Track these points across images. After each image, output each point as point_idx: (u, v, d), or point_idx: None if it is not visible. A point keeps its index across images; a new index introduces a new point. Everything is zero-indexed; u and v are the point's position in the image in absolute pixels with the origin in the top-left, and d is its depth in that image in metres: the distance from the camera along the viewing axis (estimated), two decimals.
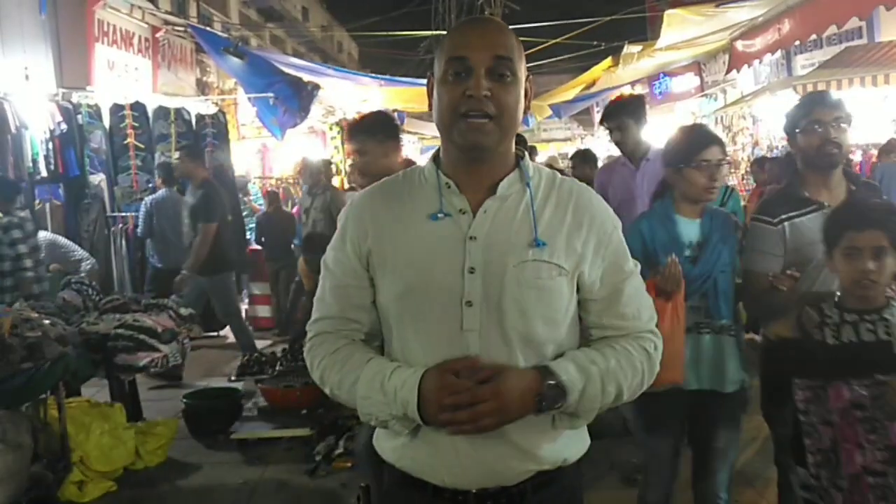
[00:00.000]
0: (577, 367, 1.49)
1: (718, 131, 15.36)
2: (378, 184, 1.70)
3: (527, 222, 1.53)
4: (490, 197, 1.54)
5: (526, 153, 1.63)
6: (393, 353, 1.59)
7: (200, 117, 9.37)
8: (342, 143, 12.72)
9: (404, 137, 16.25)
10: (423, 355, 1.50)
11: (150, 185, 8.00)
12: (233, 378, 6.24)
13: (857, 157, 8.96)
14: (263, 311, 8.87)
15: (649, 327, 1.63)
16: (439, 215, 1.53)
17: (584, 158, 7.90)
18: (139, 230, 7.31)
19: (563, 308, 1.55)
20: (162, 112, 8.73)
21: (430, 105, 1.57)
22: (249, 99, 10.59)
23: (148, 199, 7.29)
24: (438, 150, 1.62)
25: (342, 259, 1.61)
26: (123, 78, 9.23)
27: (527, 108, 1.57)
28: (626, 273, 1.60)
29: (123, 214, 7.81)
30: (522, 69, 1.53)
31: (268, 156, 11.88)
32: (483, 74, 1.46)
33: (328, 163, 7.89)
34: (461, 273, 1.50)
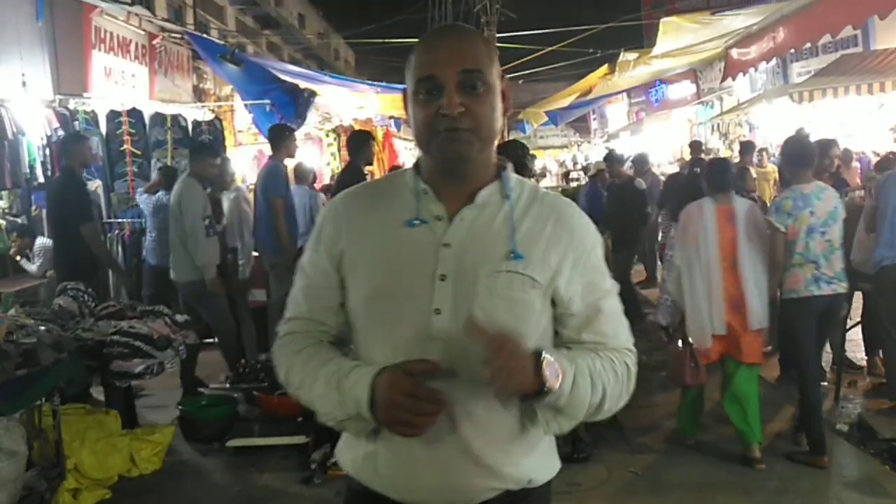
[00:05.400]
0: (566, 358, 1.46)
1: (715, 139, 15.45)
2: (359, 186, 1.71)
3: (504, 233, 1.50)
4: (468, 205, 1.52)
5: (509, 164, 1.60)
6: (359, 357, 1.57)
7: (197, 124, 9.37)
8: (339, 150, 12.74)
9: (400, 144, 16.25)
10: (388, 361, 1.46)
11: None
12: (228, 385, 6.22)
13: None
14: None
15: (627, 346, 1.60)
16: (415, 222, 1.51)
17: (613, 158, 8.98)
18: (147, 224, 7.22)
19: (534, 321, 1.52)
20: (158, 118, 8.73)
21: (407, 119, 1.57)
22: (246, 106, 10.59)
23: (148, 198, 7.22)
24: (421, 156, 1.61)
25: (315, 259, 1.61)
26: (120, 84, 9.24)
27: (506, 110, 1.56)
28: (604, 291, 1.57)
29: (120, 220, 7.79)
30: (495, 74, 1.51)
31: (264, 162, 11.88)
32: (454, 90, 1.44)
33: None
34: (431, 279, 1.48)
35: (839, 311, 4.70)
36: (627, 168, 11.13)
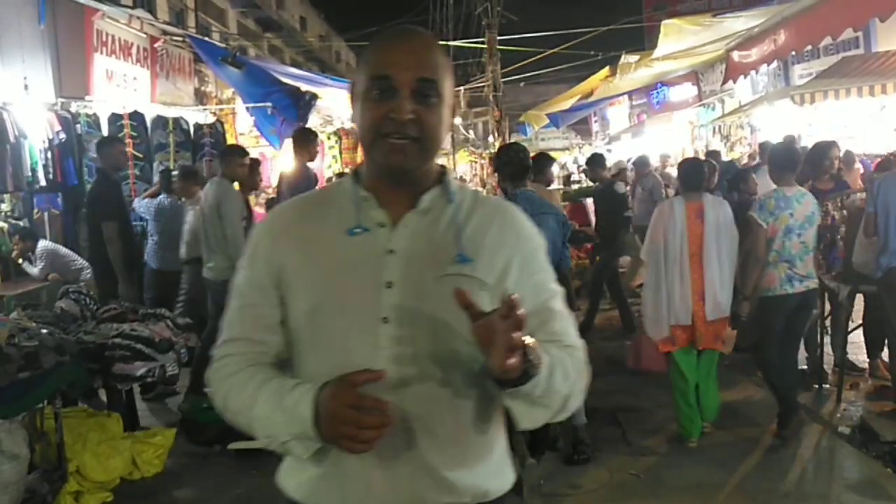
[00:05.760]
0: (538, 345, 1.38)
1: (716, 141, 15.44)
2: (293, 199, 1.65)
3: (450, 236, 1.47)
4: (411, 210, 1.48)
5: (449, 169, 1.57)
6: (304, 375, 1.48)
7: (198, 127, 9.40)
8: (340, 153, 12.76)
9: None
10: (335, 376, 1.37)
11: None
12: None
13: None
14: None
15: (578, 343, 1.55)
16: (357, 230, 1.46)
17: (596, 162, 8.72)
18: (149, 227, 7.21)
19: None
20: (160, 121, 8.76)
21: (353, 117, 1.52)
22: (247, 109, 10.61)
23: (150, 202, 7.22)
24: (360, 164, 1.57)
25: (251, 277, 1.54)
26: (122, 88, 9.25)
27: (451, 126, 1.53)
28: (552, 291, 1.55)
29: None
30: (448, 87, 1.48)
31: (266, 165, 11.89)
32: (407, 96, 1.40)
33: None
34: (377, 288, 1.43)
35: (812, 306, 5.02)
36: (629, 170, 11.09)
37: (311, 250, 1.48)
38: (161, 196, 7.11)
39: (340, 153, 12.76)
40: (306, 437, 1.37)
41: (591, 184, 10.42)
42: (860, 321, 5.92)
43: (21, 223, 7.50)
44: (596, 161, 9.05)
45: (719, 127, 15.46)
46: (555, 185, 18.45)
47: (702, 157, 13.68)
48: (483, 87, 19.49)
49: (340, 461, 1.41)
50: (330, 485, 1.46)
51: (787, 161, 4.94)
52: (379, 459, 1.39)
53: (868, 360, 6.00)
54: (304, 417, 1.36)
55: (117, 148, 6.46)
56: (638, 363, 5.47)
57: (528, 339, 1.32)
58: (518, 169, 4.50)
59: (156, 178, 8.17)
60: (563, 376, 1.43)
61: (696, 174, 4.96)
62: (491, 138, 21.94)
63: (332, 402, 1.32)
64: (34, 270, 7.17)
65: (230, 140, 10.30)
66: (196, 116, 10.24)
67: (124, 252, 6.03)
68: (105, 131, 8.09)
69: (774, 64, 12.63)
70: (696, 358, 4.88)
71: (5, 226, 7.34)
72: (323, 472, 1.46)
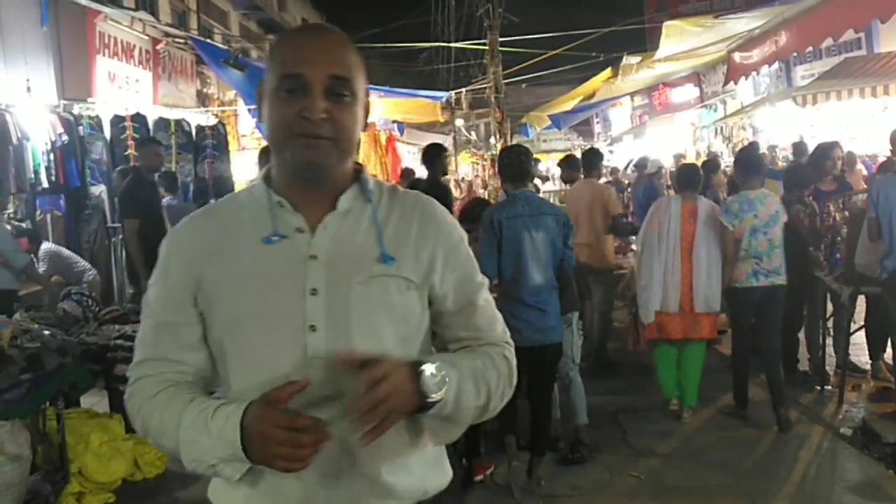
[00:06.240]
0: (447, 363, 1.39)
1: (718, 142, 15.42)
2: (202, 210, 1.57)
3: (371, 237, 1.44)
4: (329, 213, 1.44)
5: (364, 167, 1.55)
6: (232, 392, 1.43)
7: (200, 128, 9.42)
8: None
9: (403, 148, 16.28)
10: (264, 390, 1.33)
11: None
12: None
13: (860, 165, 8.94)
14: None
15: (504, 338, 1.55)
16: (274, 238, 1.41)
17: (569, 164, 8.28)
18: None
19: (416, 324, 1.46)
20: (162, 123, 8.78)
21: (260, 116, 1.46)
22: (249, 110, 10.63)
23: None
24: (269, 168, 1.51)
25: (164, 294, 1.47)
26: (124, 89, 9.27)
27: (365, 126, 1.49)
28: (476, 284, 1.54)
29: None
30: (362, 86, 1.44)
31: None
32: (320, 94, 1.36)
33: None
34: (301, 296, 1.38)
35: (778, 299, 5.21)
36: (630, 171, 11.05)
37: (228, 262, 1.42)
38: (167, 198, 7.13)
39: None
40: (236, 459, 1.33)
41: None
42: (862, 322, 5.92)
43: (24, 225, 7.52)
44: (570, 163, 8.81)
45: (721, 128, 15.43)
46: (551, 186, 18.50)
47: (703, 158, 13.69)
48: (485, 88, 19.48)
49: (277, 476, 1.36)
50: (268, 501, 1.42)
51: (750, 166, 5.35)
52: (316, 471, 1.35)
53: (870, 361, 5.99)
54: (233, 441, 1.31)
55: (154, 149, 6.61)
56: (636, 346, 6.04)
57: (429, 368, 1.35)
58: (518, 171, 4.51)
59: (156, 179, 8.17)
60: (476, 390, 1.44)
61: (692, 177, 5.34)
62: (493, 140, 21.94)
63: (263, 426, 1.28)
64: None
65: (232, 142, 10.33)
66: (198, 118, 10.26)
67: (145, 251, 6.06)
68: (107, 133, 8.12)
69: (776, 65, 12.61)
70: (676, 352, 5.33)
71: (8, 228, 7.35)
72: (260, 489, 1.41)
